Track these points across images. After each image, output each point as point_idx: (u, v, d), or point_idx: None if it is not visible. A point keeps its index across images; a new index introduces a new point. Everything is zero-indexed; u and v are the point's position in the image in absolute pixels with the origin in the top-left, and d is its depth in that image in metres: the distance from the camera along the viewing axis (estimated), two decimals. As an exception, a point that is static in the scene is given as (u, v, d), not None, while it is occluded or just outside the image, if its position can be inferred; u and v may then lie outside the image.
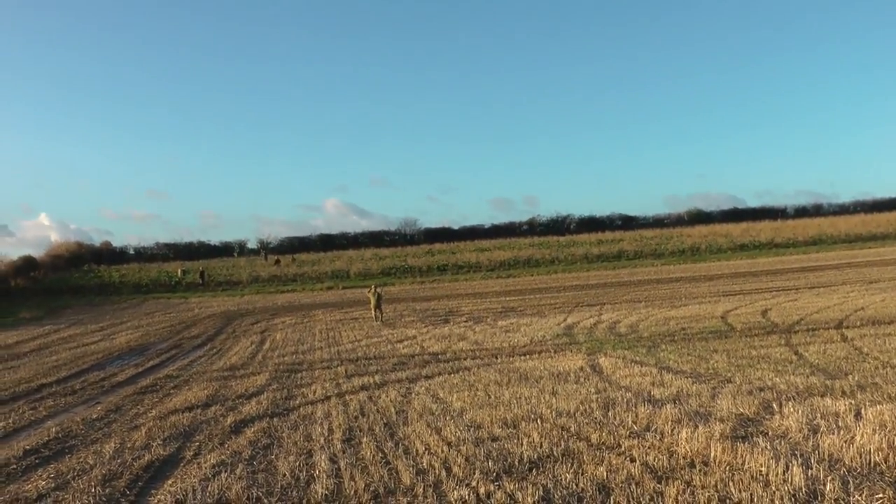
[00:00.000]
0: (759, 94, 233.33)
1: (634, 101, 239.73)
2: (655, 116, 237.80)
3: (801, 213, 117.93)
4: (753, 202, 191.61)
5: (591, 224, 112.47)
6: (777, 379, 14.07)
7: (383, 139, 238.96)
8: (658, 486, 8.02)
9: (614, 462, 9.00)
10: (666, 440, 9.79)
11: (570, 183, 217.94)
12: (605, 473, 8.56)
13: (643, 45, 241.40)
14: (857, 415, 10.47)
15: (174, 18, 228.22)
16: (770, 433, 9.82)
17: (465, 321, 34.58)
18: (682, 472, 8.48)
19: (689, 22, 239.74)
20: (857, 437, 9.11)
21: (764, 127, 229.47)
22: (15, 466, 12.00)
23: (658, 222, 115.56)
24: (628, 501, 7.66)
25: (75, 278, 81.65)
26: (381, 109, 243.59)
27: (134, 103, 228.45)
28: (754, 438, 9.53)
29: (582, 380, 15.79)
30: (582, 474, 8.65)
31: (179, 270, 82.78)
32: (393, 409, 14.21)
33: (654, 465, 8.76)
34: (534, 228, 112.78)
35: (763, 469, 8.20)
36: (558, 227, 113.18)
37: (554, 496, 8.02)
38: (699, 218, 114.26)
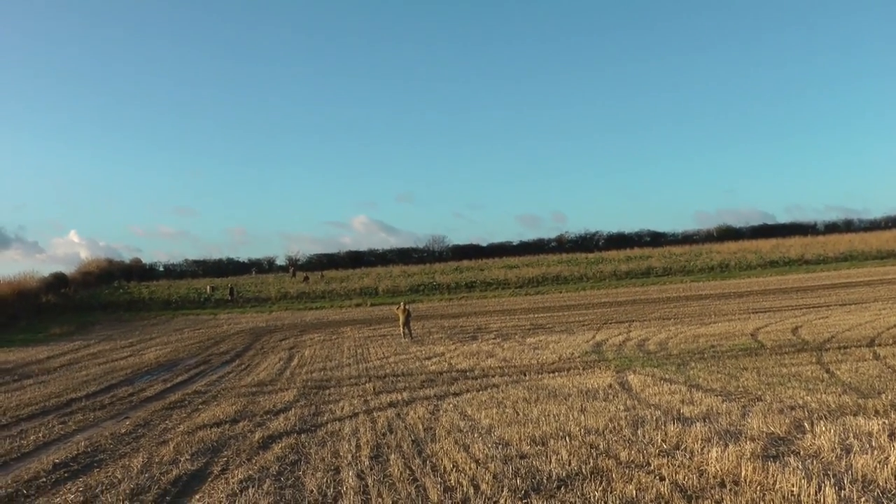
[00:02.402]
0: (788, 108, 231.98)
1: (663, 115, 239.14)
2: (684, 131, 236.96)
3: (832, 228, 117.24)
4: (783, 217, 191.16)
5: (620, 241, 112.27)
6: (808, 397, 13.94)
7: (409, 156, 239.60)
8: (688, 505, 7.95)
9: (643, 481, 8.93)
10: (696, 459, 9.70)
11: (599, 199, 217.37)
12: (634, 492, 8.50)
13: (672, 57, 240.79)
14: (892, 435, 10.35)
15: (201, 35, 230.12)
16: (802, 452, 9.72)
17: (494, 338, 34.47)
18: (713, 491, 8.40)
19: (718, 33, 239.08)
20: (892, 458, 9.00)
21: (793, 141, 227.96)
22: (44, 480, 12.10)
23: (687, 238, 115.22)
24: (658, 521, 7.59)
25: (105, 294, 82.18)
26: (408, 126, 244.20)
27: (161, 121, 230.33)
28: (785, 458, 9.43)
29: (611, 397, 15.70)
30: (611, 492, 8.58)
31: (208, 287, 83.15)
32: (421, 426, 14.18)
33: (683, 485, 8.69)
34: (562, 245, 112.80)
35: (795, 489, 8.11)
36: (587, 243, 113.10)
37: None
38: (728, 234, 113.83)
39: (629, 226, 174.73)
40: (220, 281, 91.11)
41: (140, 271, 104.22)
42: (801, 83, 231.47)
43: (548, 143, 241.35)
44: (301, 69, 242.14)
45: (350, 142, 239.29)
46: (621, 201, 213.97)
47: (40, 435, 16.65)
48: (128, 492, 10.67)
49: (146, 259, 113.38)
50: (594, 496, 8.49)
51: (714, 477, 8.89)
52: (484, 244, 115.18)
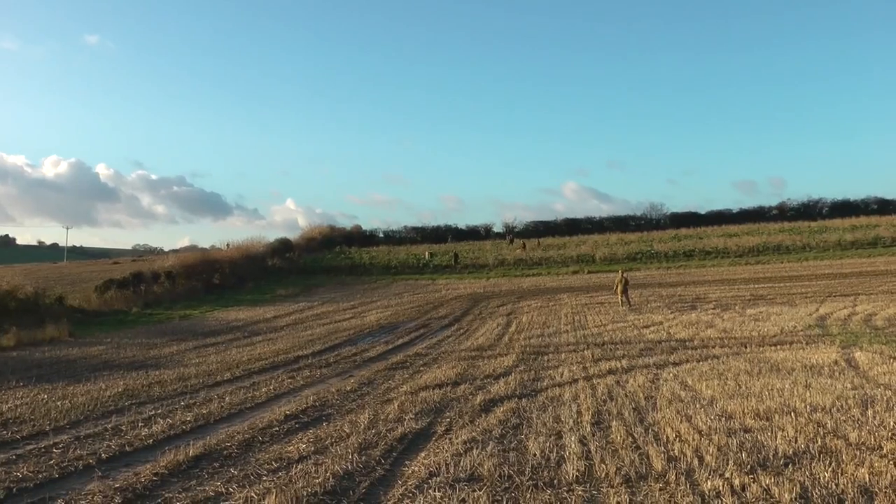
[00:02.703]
0: None
1: (883, 73, 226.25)
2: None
3: None
4: None
5: (845, 208, 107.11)
6: None
7: (619, 121, 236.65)
8: (925, 494, 7.71)
9: (876, 465, 8.67)
10: (932, 445, 9.36)
11: (820, 163, 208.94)
12: (866, 476, 8.28)
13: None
14: None
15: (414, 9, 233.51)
16: None
17: (713, 308, 33.89)
18: (954, 481, 8.09)
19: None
20: None
21: None
22: (277, 429, 12.82)
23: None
24: (893, 508, 7.42)
25: (327, 259, 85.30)
26: (616, 92, 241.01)
27: (367, 94, 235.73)
28: None
29: (836, 374, 15.26)
30: (842, 475, 8.39)
31: (427, 253, 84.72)
32: (641, 395, 14.20)
33: (920, 472, 8.41)
34: (783, 213, 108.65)
35: None
36: (809, 211, 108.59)
37: (812, 495, 7.83)
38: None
39: (854, 192, 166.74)
40: (439, 247, 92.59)
41: (360, 237, 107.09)
42: None
43: (762, 104, 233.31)
44: (510, 41, 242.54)
45: (559, 108, 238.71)
46: (845, 165, 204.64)
47: (271, 388, 17.65)
48: (356, 445, 11.12)
49: (364, 226, 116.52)
50: (824, 477, 8.32)
51: (955, 465, 8.56)
52: (702, 212, 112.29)
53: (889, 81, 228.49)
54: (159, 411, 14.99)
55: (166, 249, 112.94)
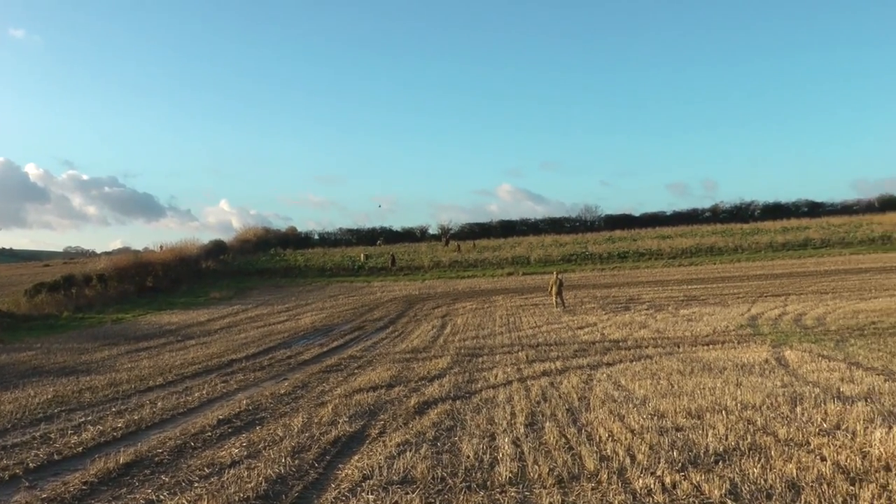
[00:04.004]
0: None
1: (817, 78, 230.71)
2: (842, 94, 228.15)
3: None
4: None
5: (776, 211, 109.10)
6: (978, 380, 13.45)
7: (553, 123, 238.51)
8: (851, 488, 7.79)
9: (804, 460, 8.79)
10: (858, 440, 9.48)
11: (752, 166, 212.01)
12: (794, 471, 8.38)
13: (824, 21, 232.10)
14: None
15: (345, 16, 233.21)
16: (972, 438, 9.41)
17: (647, 309, 34.21)
18: (877, 475, 8.19)
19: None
20: None
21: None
22: (210, 434, 12.67)
23: (846, 209, 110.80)
24: (820, 502, 7.47)
25: (262, 261, 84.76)
26: (550, 93, 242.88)
27: (304, 94, 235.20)
28: (956, 442, 9.14)
29: (767, 372, 15.44)
30: (770, 470, 8.49)
31: (362, 255, 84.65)
32: (575, 395, 14.25)
33: (846, 466, 8.51)
34: (716, 215, 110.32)
35: (966, 476, 7.89)
36: (741, 214, 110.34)
37: (741, 490, 7.92)
38: (891, 204, 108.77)
39: (786, 195, 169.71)
40: (374, 249, 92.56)
41: (295, 239, 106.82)
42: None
43: (694, 107, 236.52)
44: (443, 43, 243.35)
45: (492, 109, 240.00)
46: (776, 169, 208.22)
47: (204, 392, 17.47)
48: (289, 449, 11.04)
49: (299, 228, 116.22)
50: (753, 473, 8.41)
51: (878, 460, 8.66)
52: (636, 214, 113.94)
53: (819, 86, 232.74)
54: (90, 418, 14.73)
55: (98, 252, 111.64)
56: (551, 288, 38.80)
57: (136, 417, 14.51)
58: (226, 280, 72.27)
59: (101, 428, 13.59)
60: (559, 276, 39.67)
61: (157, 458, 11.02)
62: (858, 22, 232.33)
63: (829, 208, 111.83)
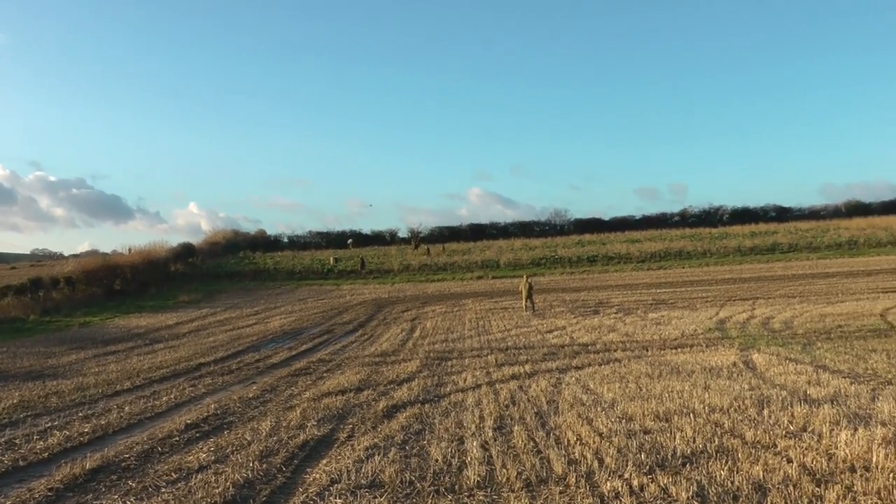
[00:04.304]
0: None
1: (785, 84, 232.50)
2: (810, 100, 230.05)
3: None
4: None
5: (745, 215, 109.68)
6: (942, 382, 13.56)
7: (522, 127, 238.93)
8: (817, 489, 7.84)
9: (770, 462, 8.84)
10: (824, 442, 9.54)
11: (721, 170, 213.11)
12: (761, 473, 8.42)
13: (796, 24, 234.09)
14: None
15: (317, 9, 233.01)
16: (936, 440, 9.47)
17: (616, 312, 34.34)
18: (842, 476, 8.25)
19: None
20: None
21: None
22: (177, 438, 12.60)
23: (814, 214, 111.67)
24: (786, 503, 7.53)
25: (231, 264, 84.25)
26: (520, 97, 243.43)
27: (273, 95, 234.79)
28: (919, 445, 9.20)
29: (735, 376, 15.53)
30: (737, 472, 8.53)
31: (332, 258, 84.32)
32: (543, 399, 14.26)
33: (812, 468, 8.56)
34: (685, 220, 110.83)
35: (929, 478, 7.94)
36: (710, 218, 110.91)
37: (708, 493, 7.95)
38: (857, 209, 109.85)
39: (754, 200, 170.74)
40: (344, 252, 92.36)
41: (265, 242, 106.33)
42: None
43: (663, 111, 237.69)
44: (412, 46, 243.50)
45: (462, 112, 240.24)
46: (745, 173, 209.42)
47: (172, 396, 17.34)
48: (257, 453, 10.99)
49: (268, 230, 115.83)
50: (720, 475, 8.45)
51: (843, 461, 8.73)
52: (606, 218, 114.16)
53: (787, 92, 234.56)
54: (56, 423, 14.59)
55: (66, 254, 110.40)
56: (522, 291, 38.86)
57: (103, 422, 14.38)
58: (195, 283, 71.85)
59: (67, 433, 13.46)
60: (529, 280, 39.76)
61: (123, 464, 10.92)
62: (824, 30, 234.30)
63: (797, 213, 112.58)
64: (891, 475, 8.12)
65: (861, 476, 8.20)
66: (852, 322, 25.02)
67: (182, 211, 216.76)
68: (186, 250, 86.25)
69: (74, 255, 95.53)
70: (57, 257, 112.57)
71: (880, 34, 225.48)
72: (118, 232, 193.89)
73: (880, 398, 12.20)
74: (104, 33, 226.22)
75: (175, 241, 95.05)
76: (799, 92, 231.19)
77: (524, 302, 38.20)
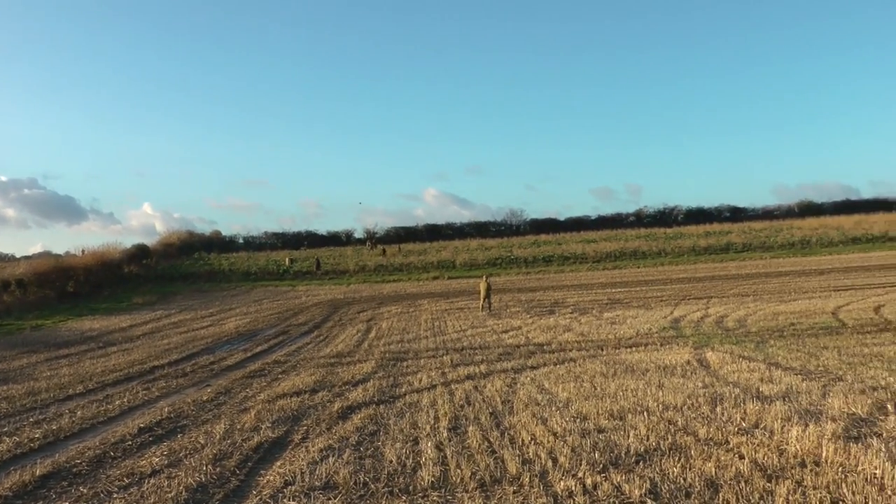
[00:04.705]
0: (875, 78, 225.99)
1: (739, 87, 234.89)
2: (763, 102, 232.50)
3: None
4: (867, 192, 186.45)
5: (699, 215, 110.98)
6: (891, 378, 13.68)
7: (478, 127, 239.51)
8: (768, 484, 7.91)
9: (723, 458, 8.90)
10: (775, 438, 9.63)
11: (675, 171, 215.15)
12: (713, 469, 8.48)
13: (751, 27, 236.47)
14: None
15: (272, 7, 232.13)
16: (884, 434, 9.56)
17: (571, 312, 34.43)
18: (793, 471, 8.34)
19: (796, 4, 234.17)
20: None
21: (878, 112, 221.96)
22: (130, 443, 12.45)
23: (767, 214, 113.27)
24: (737, 499, 7.57)
25: (186, 266, 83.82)
26: (474, 97, 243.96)
27: (228, 95, 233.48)
28: (868, 439, 9.29)
29: (689, 374, 15.61)
30: (690, 469, 8.58)
31: (287, 259, 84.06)
32: (498, 399, 14.25)
33: (763, 464, 8.64)
34: (640, 220, 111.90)
35: (878, 472, 8.01)
36: (665, 218, 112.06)
37: (661, 490, 7.99)
38: (810, 209, 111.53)
39: (708, 200, 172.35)
40: (299, 253, 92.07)
41: (220, 243, 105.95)
42: (887, 54, 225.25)
43: (620, 115, 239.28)
44: (366, 42, 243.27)
45: (417, 112, 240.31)
46: (699, 174, 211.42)
47: (125, 400, 17.13)
48: (211, 457, 10.90)
49: (224, 231, 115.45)
50: (673, 472, 8.50)
51: (794, 457, 8.82)
52: (561, 218, 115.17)
53: (740, 93, 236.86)
54: (6, 429, 14.36)
55: (18, 256, 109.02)
56: (480, 291, 38.90)
57: (54, 427, 14.18)
58: (149, 285, 71.35)
59: (17, 439, 13.26)
60: (488, 280, 39.79)
61: (75, 469, 10.79)
62: (777, 34, 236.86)
63: (751, 213, 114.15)
64: (840, 469, 8.22)
65: (811, 471, 8.28)
66: (805, 320, 25.29)
67: (136, 212, 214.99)
68: (141, 252, 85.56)
69: (26, 257, 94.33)
70: (8, 259, 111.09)
71: (832, 39, 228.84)
72: (71, 233, 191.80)
73: (831, 394, 12.32)
74: (52, 32, 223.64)
75: (129, 242, 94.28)
76: (752, 94, 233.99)
77: (482, 301, 38.24)
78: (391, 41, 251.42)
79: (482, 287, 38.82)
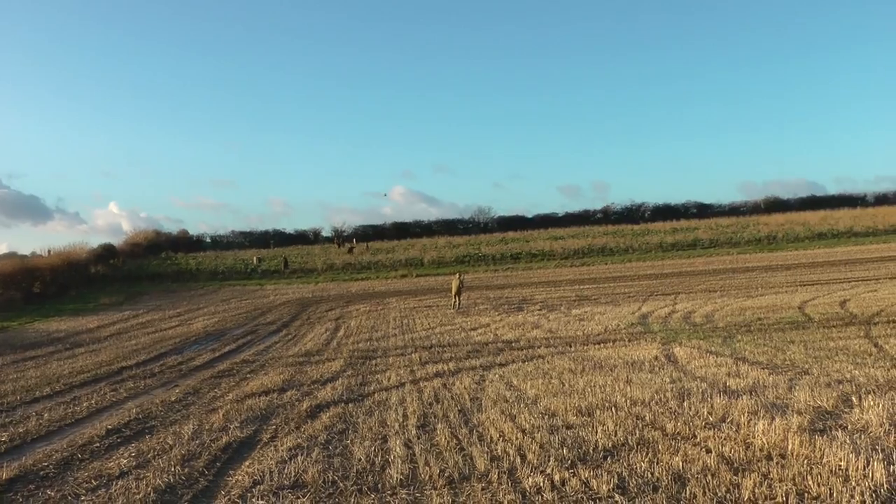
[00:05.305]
0: (839, 76, 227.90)
1: (706, 83, 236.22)
2: (728, 98, 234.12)
3: (882, 200, 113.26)
4: (832, 188, 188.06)
5: (666, 212, 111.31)
6: (856, 371, 13.83)
7: (445, 125, 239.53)
8: (734, 477, 7.96)
9: (690, 452, 8.95)
10: (742, 432, 9.69)
11: (642, 168, 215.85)
12: (680, 464, 8.53)
13: (716, 26, 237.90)
14: (942, 409, 10.25)
15: (238, 7, 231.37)
16: (850, 427, 9.65)
17: (539, 309, 34.53)
18: (759, 464, 8.39)
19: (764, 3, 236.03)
20: (942, 432, 8.94)
21: (842, 110, 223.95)
22: (98, 445, 12.35)
23: (734, 210, 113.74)
24: (704, 493, 7.62)
25: (153, 265, 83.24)
26: (441, 95, 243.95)
27: (194, 93, 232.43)
28: (833, 432, 9.37)
29: (656, 369, 15.69)
30: (657, 464, 8.62)
31: (255, 258, 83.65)
32: (467, 396, 14.28)
33: (730, 457, 8.70)
34: (608, 216, 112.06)
35: (842, 464, 8.07)
36: (632, 215, 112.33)
37: (629, 484, 8.03)
38: (776, 206, 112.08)
39: (675, 196, 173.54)
40: (267, 252, 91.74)
41: (187, 243, 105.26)
42: (852, 53, 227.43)
43: (587, 111, 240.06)
44: (333, 41, 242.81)
45: (384, 111, 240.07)
46: (666, 171, 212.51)
47: (93, 402, 16.97)
48: (179, 457, 10.85)
49: (191, 230, 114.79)
50: (640, 467, 8.53)
51: (761, 450, 8.88)
52: (529, 215, 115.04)
53: (706, 89, 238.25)
54: (-30, 432, 14.22)
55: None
56: (452, 288, 38.90)
57: (21, 430, 14.03)
58: (116, 285, 70.84)
59: (-18, 442, 13.14)
60: (461, 277, 39.79)
61: (42, 472, 10.70)
62: (741, 33, 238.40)
63: (718, 209, 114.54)
64: (805, 462, 8.29)
65: (777, 463, 8.35)
66: (771, 315, 25.47)
67: (102, 211, 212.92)
68: (107, 251, 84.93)
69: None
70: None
71: (798, 39, 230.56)
72: (37, 233, 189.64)
73: (797, 388, 12.41)
74: (16, 32, 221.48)
75: (96, 242, 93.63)
76: (718, 92, 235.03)
77: (454, 299, 38.27)
78: (357, 42, 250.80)
79: (454, 284, 38.81)
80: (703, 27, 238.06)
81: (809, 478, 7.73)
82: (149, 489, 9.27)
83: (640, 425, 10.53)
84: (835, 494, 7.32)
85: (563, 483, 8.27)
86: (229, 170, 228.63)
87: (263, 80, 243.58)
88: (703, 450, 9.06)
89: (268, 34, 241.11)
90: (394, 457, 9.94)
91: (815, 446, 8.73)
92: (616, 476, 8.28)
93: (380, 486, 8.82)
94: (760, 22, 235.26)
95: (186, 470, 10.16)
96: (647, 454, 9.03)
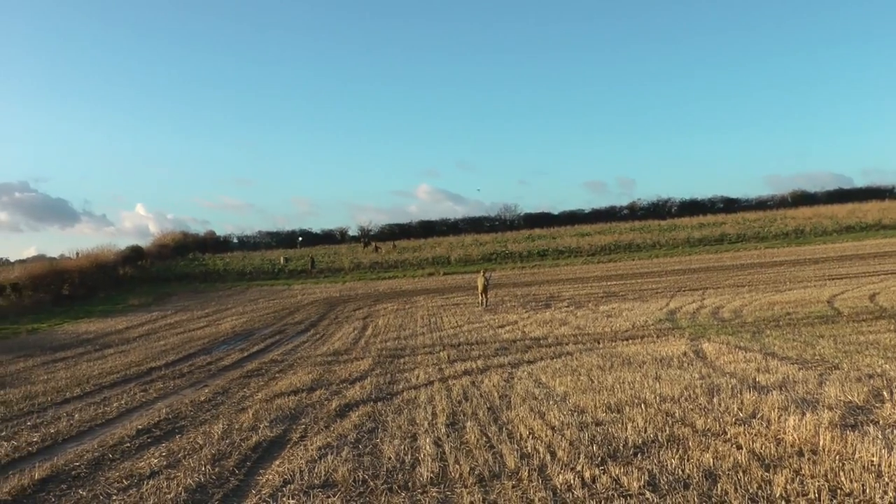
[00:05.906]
0: (866, 68, 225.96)
1: (730, 77, 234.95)
2: (754, 93, 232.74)
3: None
4: (860, 181, 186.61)
5: (693, 207, 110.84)
6: (887, 366, 13.74)
7: (469, 122, 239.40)
8: (766, 474, 7.94)
9: (720, 449, 8.93)
10: (773, 428, 9.66)
11: (668, 164, 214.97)
12: (711, 460, 8.51)
13: (741, 20, 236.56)
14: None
15: (263, 8, 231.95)
16: (881, 422, 9.61)
17: (567, 306, 34.39)
18: (791, 460, 8.37)
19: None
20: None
21: (869, 101, 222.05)
22: (129, 444, 12.43)
23: (761, 204, 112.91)
24: (736, 489, 7.60)
25: (181, 266, 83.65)
26: (464, 92, 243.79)
27: (214, 94, 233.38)
28: (864, 427, 9.33)
29: (685, 365, 15.65)
30: (688, 460, 8.61)
31: (282, 258, 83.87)
32: (496, 394, 14.27)
33: (761, 453, 8.67)
34: (634, 212, 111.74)
35: (875, 459, 8.04)
36: (659, 210, 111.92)
37: (660, 481, 8.02)
38: (803, 199, 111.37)
39: (702, 192, 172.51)
40: (294, 252, 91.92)
41: (214, 243, 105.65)
42: (878, 43, 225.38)
43: (613, 107, 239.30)
44: (357, 40, 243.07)
45: (407, 109, 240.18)
46: (691, 166, 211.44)
47: (123, 402, 17.07)
48: (209, 457, 10.92)
49: (217, 231, 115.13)
50: (671, 464, 8.52)
51: (792, 446, 8.85)
52: (555, 212, 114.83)
53: (732, 85, 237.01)
54: (3, 433, 14.31)
55: (12, 260, 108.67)
56: (479, 286, 38.85)
57: (52, 430, 14.16)
58: (144, 286, 71.13)
59: (15, 443, 13.23)
60: (486, 274, 39.72)
61: (74, 472, 10.78)
62: (767, 27, 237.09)
63: (744, 204, 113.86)
64: (837, 457, 8.25)
65: (808, 459, 8.32)
66: (800, 309, 25.29)
67: (129, 213, 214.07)
68: (135, 253, 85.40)
69: (20, 261, 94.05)
70: (2, 263, 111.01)
71: (823, 32, 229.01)
72: (65, 236, 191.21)
73: (827, 383, 12.36)
74: (41, 36, 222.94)
75: (123, 244, 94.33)
76: (743, 86, 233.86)
77: (480, 296, 38.21)
78: (381, 40, 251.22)
79: (480, 282, 38.76)
80: (729, 21, 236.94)
81: (842, 474, 7.70)
82: (180, 489, 9.33)
83: (670, 422, 10.52)
84: (867, 490, 7.29)
85: (593, 480, 8.26)
86: (252, 170, 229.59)
87: (286, 79, 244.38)
88: (734, 446, 9.04)
89: (292, 34, 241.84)
90: (424, 455, 9.96)
91: (846, 442, 8.69)
92: (647, 473, 8.28)
93: (410, 484, 8.84)
94: (785, 14, 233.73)
95: (217, 469, 10.22)
96: (677, 451, 9.02)
